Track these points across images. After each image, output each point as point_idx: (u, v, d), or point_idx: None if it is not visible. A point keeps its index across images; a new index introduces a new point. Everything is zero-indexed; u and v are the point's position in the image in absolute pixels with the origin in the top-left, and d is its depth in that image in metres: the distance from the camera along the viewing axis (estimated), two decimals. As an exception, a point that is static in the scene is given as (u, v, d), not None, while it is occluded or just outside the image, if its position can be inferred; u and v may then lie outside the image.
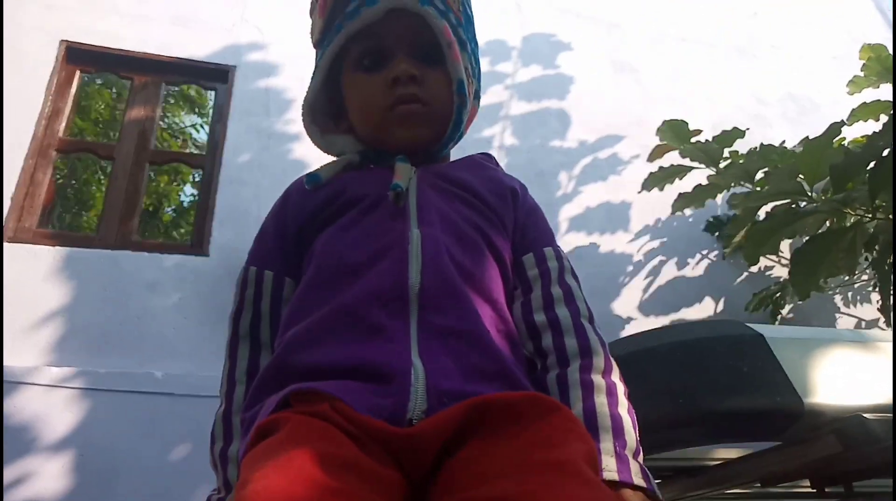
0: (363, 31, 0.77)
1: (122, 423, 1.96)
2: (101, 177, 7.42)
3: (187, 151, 7.32)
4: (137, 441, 1.95)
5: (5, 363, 1.96)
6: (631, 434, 0.63)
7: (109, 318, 2.15)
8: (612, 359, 0.70)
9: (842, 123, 1.86)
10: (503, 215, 0.79)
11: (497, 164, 0.91)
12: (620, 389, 0.67)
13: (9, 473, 1.83)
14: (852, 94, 2.68)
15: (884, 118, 2.46)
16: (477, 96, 0.87)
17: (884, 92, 2.66)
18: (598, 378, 0.67)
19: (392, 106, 0.77)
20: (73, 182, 7.76)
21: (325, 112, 0.86)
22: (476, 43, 0.87)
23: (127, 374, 2.04)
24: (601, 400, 0.65)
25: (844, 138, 2.33)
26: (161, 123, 6.71)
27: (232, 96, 2.73)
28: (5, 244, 2.20)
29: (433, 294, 0.66)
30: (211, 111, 3.11)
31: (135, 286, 2.23)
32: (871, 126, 2.40)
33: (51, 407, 1.93)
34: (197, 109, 8.56)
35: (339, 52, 0.80)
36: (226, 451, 0.69)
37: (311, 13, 0.85)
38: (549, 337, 0.71)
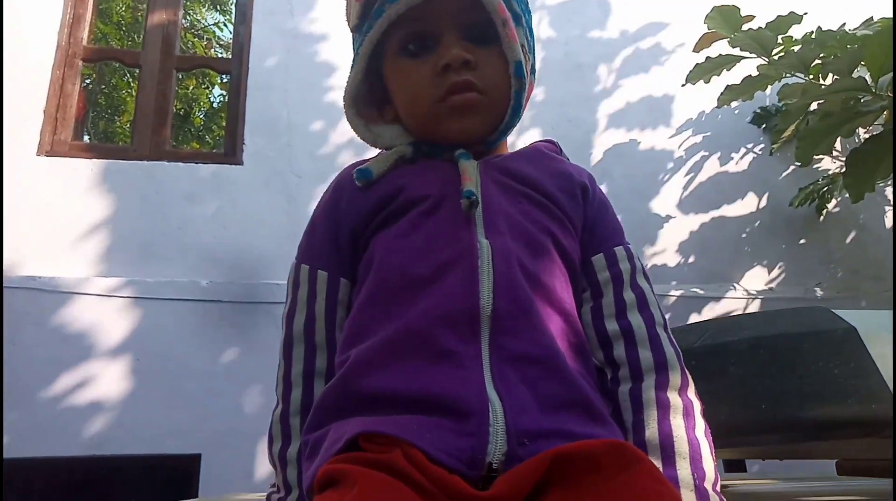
0: (407, 14, 0.68)
1: (173, 329, 2.05)
2: (131, 80, 7.36)
3: (212, 51, 7.17)
4: (189, 346, 2.04)
5: (56, 274, 2.03)
6: (709, 461, 0.61)
7: (151, 229, 2.19)
8: (688, 374, 0.67)
9: (916, 9, 1.69)
10: (573, 215, 0.73)
11: (562, 152, 0.82)
12: (697, 408, 0.65)
13: (70, 378, 1.95)
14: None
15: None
16: (533, 71, 0.78)
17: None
18: (674, 397, 0.64)
19: (444, 96, 0.69)
20: (103, 87, 7.73)
21: (367, 101, 0.77)
22: (530, 13, 0.78)
23: (173, 282, 2.10)
24: (678, 422, 0.62)
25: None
26: (183, 21, 6.53)
27: (254, -6, 2.62)
28: (44, 159, 2.22)
29: (506, 316, 0.61)
30: (234, 10, 3.00)
31: (173, 197, 2.25)
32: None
33: (104, 316, 2.02)
34: (219, 7, 8.29)
35: (380, 37, 0.71)
36: (284, 452, 0.68)
37: None
38: (622, 348, 0.67)
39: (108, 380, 1.97)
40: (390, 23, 0.69)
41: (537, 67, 0.81)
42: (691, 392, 0.66)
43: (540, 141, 0.82)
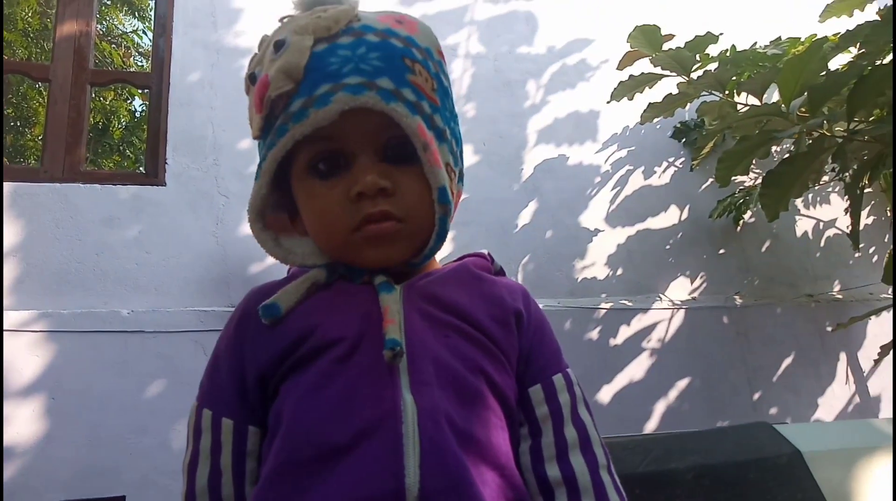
0: (314, 134, 0.62)
1: (92, 364, 1.94)
2: (42, 89, 6.96)
3: (131, 60, 6.87)
4: (111, 381, 1.94)
5: (-39, 309, 1.89)
6: None
7: (66, 256, 2.07)
8: None
9: (825, 40, 1.79)
10: (507, 348, 0.66)
11: (493, 264, 0.76)
12: None
13: (-20, 421, 1.82)
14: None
15: (858, 15, 2.39)
16: (461, 178, 0.72)
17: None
18: None
19: (359, 226, 0.63)
20: (10, 97, 7.27)
21: (275, 206, 0.70)
22: (456, 119, 0.72)
23: (92, 313, 1.99)
24: None
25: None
26: (98, 27, 6.23)
27: (174, 5, 2.52)
28: (-58, 182, 2.06)
29: (436, 497, 0.54)
30: (153, 20, 2.88)
31: (90, 221, 2.13)
32: (845, 23, 2.34)
33: (15, 353, 1.88)
34: (137, 13, 7.95)
35: (285, 153, 0.64)
36: None
37: (247, 93, 0.69)
38: (565, 498, 0.62)
39: (20, 422, 1.84)
40: (296, 141, 0.62)
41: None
42: None
43: (469, 255, 0.77)
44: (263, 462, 0.62)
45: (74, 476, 1.84)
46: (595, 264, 2.65)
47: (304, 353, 0.62)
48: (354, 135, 0.63)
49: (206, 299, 2.12)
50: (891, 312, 2.60)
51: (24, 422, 1.85)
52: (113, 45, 7.74)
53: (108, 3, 7.52)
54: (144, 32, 7.92)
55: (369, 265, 0.66)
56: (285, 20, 0.68)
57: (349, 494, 0.54)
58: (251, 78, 0.68)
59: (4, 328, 1.89)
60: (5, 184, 2.11)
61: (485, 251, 0.78)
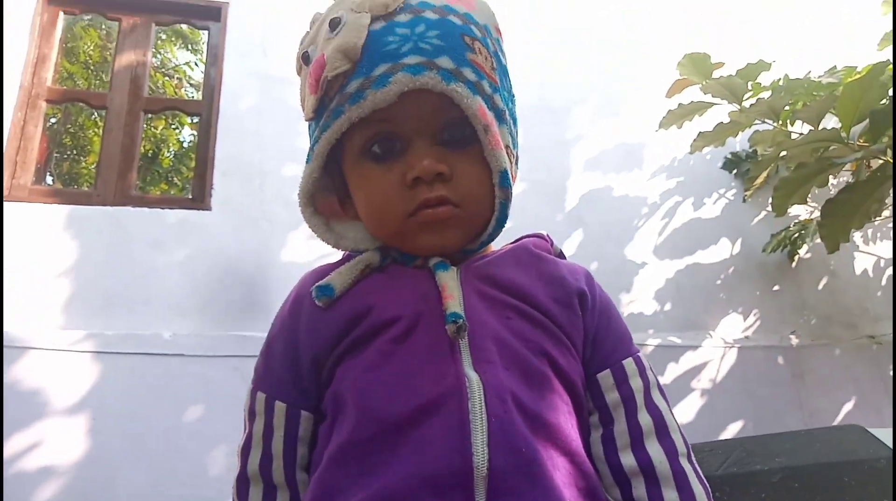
0: (371, 116, 0.59)
1: (133, 386, 1.94)
2: (98, 119, 7.24)
3: (182, 91, 7.11)
4: (151, 404, 1.94)
5: (11, 327, 1.92)
6: None
7: (114, 278, 2.10)
8: None
9: (886, 64, 1.72)
10: (571, 331, 0.62)
11: (553, 246, 0.73)
12: None
13: (22, 440, 1.83)
14: (886, 14, 2.51)
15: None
16: (516, 162, 0.69)
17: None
18: None
19: (414, 211, 0.60)
20: (69, 127, 7.59)
21: (325, 189, 0.68)
22: (513, 98, 0.69)
23: (135, 335, 2.00)
24: None
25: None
26: (153, 59, 6.48)
27: (226, 36, 2.59)
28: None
29: (506, 476, 0.51)
30: (205, 51, 2.96)
31: (138, 244, 2.16)
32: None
33: (61, 372, 1.91)
34: (190, 46, 8.26)
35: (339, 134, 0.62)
36: None
37: (298, 73, 0.68)
38: (643, 487, 0.57)
39: (62, 442, 1.85)
40: (351, 124, 0.60)
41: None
42: None
43: (528, 236, 0.73)
44: (320, 447, 0.60)
45: (112, 498, 1.83)
46: (642, 298, 2.57)
47: (359, 334, 0.60)
48: (411, 117, 0.60)
49: (248, 323, 2.11)
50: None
51: (67, 442, 1.85)
52: (166, 77, 8.05)
53: (164, 37, 7.83)
54: (196, 64, 8.20)
55: (424, 252, 0.63)
56: None
57: (414, 473, 0.51)
58: (304, 58, 0.66)
59: (54, 347, 1.92)
60: (60, 207, 2.16)
61: (544, 233, 0.75)
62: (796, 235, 2.61)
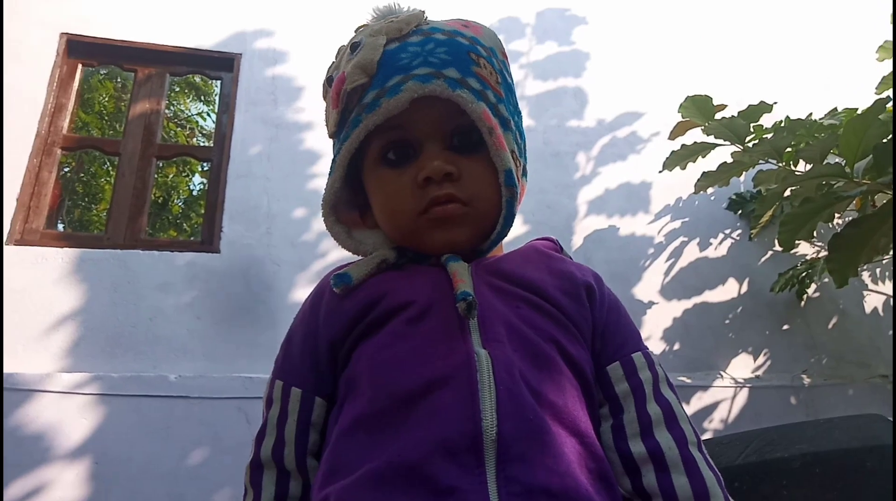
0: (385, 123, 0.65)
1: (137, 428, 1.93)
2: (110, 168, 7.39)
3: (194, 140, 7.25)
4: (154, 447, 1.91)
5: (18, 370, 1.92)
6: None
7: (121, 320, 2.10)
8: None
9: (887, 100, 1.75)
10: (579, 320, 0.66)
11: (562, 249, 0.78)
12: None
13: (25, 483, 1.80)
14: (881, 60, 2.56)
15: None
16: (525, 173, 0.74)
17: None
18: None
19: (426, 209, 0.65)
20: (82, 175, 7.74)
21: (348, 203, 0.73)
22: (520, 114, 0.75)
23: (140, 377, 2.00)
24: None
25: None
26: (167, 111, 6.64)
27: (238, 85, 2.66)
28: (13, 247, 2.15)
29: (514, 440, 0.53)
30: (217, 100, 3.04)
31: (146, 287, 2.18)
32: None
33: (65, 414, 1.89)
34: (203, 97, 8.47)
35: (358, 145, 0.68)
36: None
37: (324, 97, 0.74)
38: (652, 474, 0.58)
39: (64, 487, 1.82)
40: (368, 132, 0.66)
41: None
42: None
43: (537, 239, 0.78)
44: (331, 429, 0.62)
45: (112, 545, 1.79)
46: (650, 337, 2.55)
47: (374, 317, 0.63)
48: (423, 123, 0.66)
49: (254, 365, 2.11)
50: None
51: (69, 487, 1.83)
52: (179, 127, 8.23)
53: (177, 89, 8.05)
54: (208, 114, 8.40)
55: (436, 249, 0.67)
56: (360, 28, 0.74)
57: (425, 438, 0.53)
58: (328, 80, 0.72)
59: (58, 389, 1.91)
60: (71, 250, 2.19)
61: (552, 237, 0.79)
62: (804, 274, 2.60)
